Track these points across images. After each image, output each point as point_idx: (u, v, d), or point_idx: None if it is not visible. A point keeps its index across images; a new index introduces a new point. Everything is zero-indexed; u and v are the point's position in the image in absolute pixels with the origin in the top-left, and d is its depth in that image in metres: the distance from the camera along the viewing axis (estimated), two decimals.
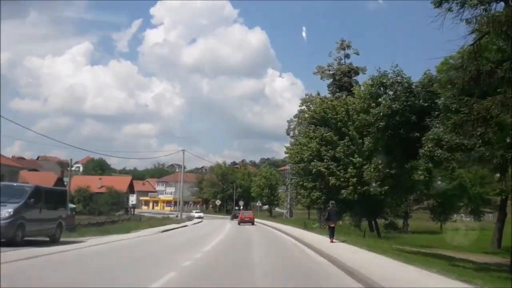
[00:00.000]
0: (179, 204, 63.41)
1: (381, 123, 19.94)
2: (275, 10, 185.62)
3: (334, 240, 18.93)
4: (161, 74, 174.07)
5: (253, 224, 43.60)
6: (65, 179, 75.25)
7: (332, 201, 21.39)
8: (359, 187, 27.34)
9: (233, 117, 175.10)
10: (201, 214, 64.16)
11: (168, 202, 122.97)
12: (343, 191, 27.73)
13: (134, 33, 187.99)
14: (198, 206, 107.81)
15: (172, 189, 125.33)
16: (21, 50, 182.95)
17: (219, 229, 33.43)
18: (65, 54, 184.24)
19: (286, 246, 19.76)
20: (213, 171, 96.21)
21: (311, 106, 38.19)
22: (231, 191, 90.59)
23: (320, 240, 20.62)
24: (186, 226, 39.22)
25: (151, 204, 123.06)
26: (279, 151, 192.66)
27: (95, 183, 71.68)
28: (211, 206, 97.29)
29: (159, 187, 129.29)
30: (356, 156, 28.01)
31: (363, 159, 26.76)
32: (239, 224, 43.75)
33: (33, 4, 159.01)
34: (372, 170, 22.90)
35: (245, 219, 44.72)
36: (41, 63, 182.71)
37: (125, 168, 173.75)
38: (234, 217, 57.72)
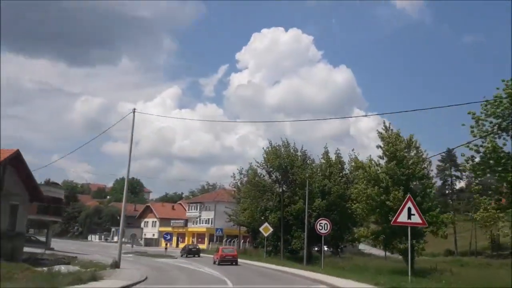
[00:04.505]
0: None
1: None
2: (360, 46, 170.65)
3: None
4: (245, 116, 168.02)
5: (236, 264, 32.65)
6: None
7: None
8: None
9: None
10: None
11: (200, 235, 72.61)
12: None
13: (220, 77, 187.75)
14: (234, 242, 55.87)
15: (211, 215, 75.16)
16: (114, 96, 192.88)
17: None
18: (155, 98, 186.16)
19: None
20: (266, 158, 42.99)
21: None
22: (300, 205, 38.07)
23: None
24: None
25: (174, 239, 73.15)
26: None
27: None
28: (259, 241, 44.76)
29: (191, 212, 79.53)
30: None
31: None
32: (217, 264, 32.53)
33: (126, 52, 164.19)
34: None
35: (227, 257, 33.36)
36: (132, 108, 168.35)
37: (167, 194, 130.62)
38: (189, 252, 45.29)
